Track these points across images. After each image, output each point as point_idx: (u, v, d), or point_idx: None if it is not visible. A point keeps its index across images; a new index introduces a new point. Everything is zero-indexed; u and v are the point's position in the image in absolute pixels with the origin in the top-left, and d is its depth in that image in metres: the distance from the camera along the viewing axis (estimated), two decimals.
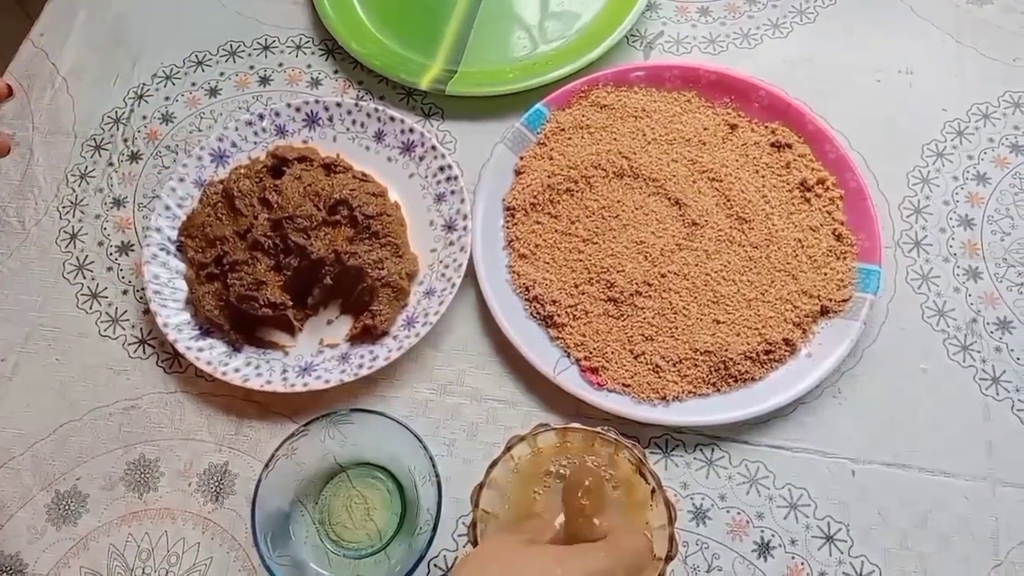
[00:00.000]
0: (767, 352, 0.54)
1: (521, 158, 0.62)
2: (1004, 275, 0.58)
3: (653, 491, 0.44)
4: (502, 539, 0.42)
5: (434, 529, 0.46)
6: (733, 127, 0.62)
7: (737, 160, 0.60)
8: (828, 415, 0.54)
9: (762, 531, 0.51)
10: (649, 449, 0.54)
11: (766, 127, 0.61)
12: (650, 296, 0.56)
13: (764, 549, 0.51)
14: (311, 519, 0.52)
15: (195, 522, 0.53)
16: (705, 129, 0.62)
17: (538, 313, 0.57)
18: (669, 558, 0.41)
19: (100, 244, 0.62)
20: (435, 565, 0.51)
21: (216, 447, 0.55)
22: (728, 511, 0.52)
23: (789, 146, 0.60)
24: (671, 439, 0.54)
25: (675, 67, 0.63)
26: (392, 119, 0.62)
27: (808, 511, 0.52)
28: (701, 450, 0.54)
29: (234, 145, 0.62)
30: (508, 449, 0.45)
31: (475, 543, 0.42)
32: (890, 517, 0.51)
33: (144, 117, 0.67)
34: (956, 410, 0.54)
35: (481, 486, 0.44)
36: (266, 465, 0.47)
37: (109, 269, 0.61)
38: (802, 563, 0.51)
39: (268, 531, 0.47)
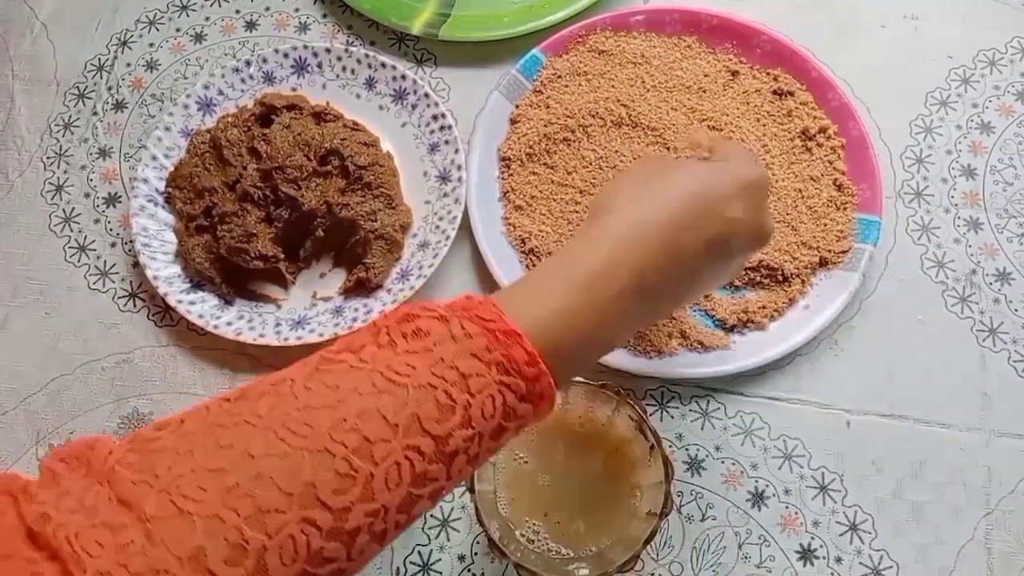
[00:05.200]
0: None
1: (517, 106, 0.60)
2: (1005, 226, 0.57)
3: (652, 448, 0.43)
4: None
5: None
6: (734, 73, 0.60)
7: (738, 108, 0.59)
8: (825, 367, 0.54)
9: (756, 481, 0.52)
10: (645, 401, 0.54)
11: (768, 74, 0.60)
12: None
13: (758, 499, 0.51)
14: None
15: None
16: (706, 76, 0.60)
17: (534, 266, 0.56)
18: (664, 514, 0.42)
19: (87, 196, 0.61)
20: (431, 516, 0.51)
21: None
22: (723, 462, 0.52)
23: (791, 93, 0.59)
24: (667, 391, 0.54)
25: (675, 10, 0.61)
26: (383, 65, 0.60)
27: (803, 461, 0.52)
28: (696, 402, 0.54)
29: (221, 93, 0.60)
30: None
31: (472, 491, 0.42)
32: (884, 467, 0.52)
33: (128, 64, 0.65)
34: (953, 361, 0.54)
35: None
36: None
37: (96, 221, 0.60)
38: (796, 512, 0.51)
39: None
